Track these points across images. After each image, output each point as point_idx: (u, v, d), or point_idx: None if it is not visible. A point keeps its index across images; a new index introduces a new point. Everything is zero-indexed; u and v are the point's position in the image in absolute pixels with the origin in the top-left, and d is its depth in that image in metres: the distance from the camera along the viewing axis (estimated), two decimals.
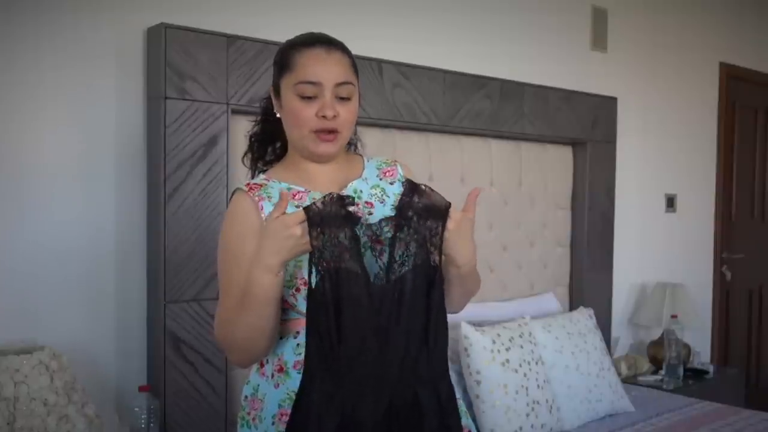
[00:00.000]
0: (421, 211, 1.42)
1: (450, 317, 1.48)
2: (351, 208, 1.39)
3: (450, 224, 1.42)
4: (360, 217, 1.43)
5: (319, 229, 1.36)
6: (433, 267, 1.42)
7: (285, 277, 1.43)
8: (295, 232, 1.36)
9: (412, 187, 1.45)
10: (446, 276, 1.47)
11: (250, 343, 1.46)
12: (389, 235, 1.42)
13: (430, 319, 1.42)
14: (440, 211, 1.42)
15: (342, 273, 1.37)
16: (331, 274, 1.36)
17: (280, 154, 1.67)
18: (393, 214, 1.45)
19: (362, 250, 1.41)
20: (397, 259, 1.40)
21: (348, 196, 1.41)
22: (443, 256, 1.44)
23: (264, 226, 1.40)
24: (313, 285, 1.37)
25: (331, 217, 1.37)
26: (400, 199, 1.44)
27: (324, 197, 1.38)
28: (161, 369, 2.30)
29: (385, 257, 1.42)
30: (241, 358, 1.52)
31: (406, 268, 1.40)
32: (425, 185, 1.45)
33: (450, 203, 1.43)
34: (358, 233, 1.40)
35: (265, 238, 1.38)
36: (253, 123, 1.70)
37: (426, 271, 1.42)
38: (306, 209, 1.37)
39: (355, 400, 1.38)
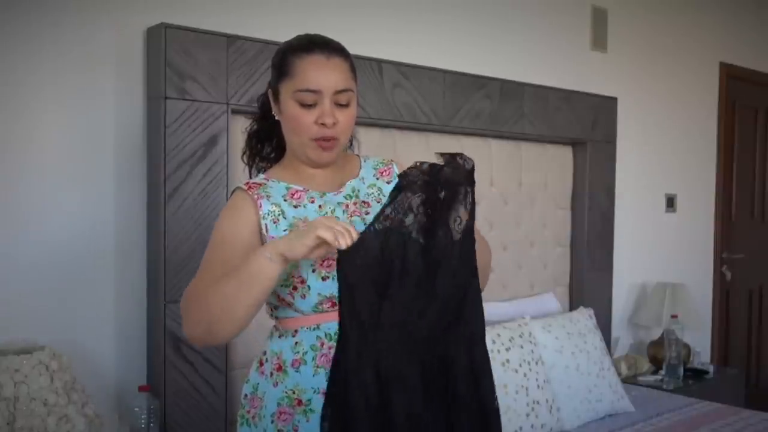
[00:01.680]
0: (451, 179, 1.45)
1: None
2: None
3: None
4: (439, 192, 1.43)
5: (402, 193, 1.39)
6: (471, 234, 1.47)
7: (282, 275, 1.43)
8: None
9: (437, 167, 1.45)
10: None
11: (221, 315, 1.40)
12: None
13: (470, 284, 1.47)
14: (468, 174, 1.47)
15: (395, 233, 1.39)
16: (387, 232, 1.39)
17: (277, 153, 1.68)
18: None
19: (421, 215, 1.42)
20: (452, 225, 1.44)
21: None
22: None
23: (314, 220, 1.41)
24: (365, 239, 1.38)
25: (415, 182, 1.40)
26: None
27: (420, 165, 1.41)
28: (161, 369, 2.30)
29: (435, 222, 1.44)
30: (199, 331, 1.45)
31: (456, 235, 1.44)
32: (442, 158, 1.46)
33: (473, 163, 1.48)
34: (427, 200, 1.42)
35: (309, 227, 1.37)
36: (251, 120, 1.71)
37: (469, 238, 1.46)
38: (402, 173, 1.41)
39: (388, 355, 1.40)
